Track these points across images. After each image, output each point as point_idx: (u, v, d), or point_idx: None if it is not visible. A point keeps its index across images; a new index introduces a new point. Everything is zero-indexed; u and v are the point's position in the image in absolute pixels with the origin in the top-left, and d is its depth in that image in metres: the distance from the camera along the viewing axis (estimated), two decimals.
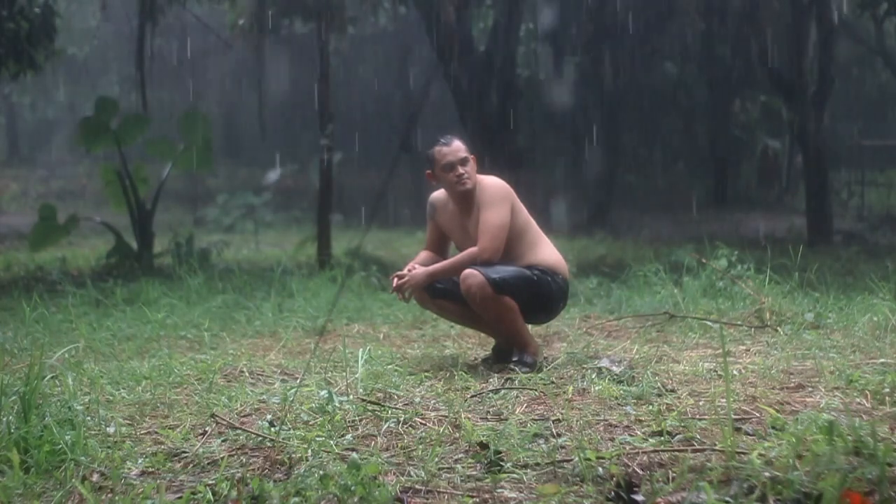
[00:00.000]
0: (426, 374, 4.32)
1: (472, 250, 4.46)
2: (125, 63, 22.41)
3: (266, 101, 23.85)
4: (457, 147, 4.54)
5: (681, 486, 2.50)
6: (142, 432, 3.29)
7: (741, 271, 6.50)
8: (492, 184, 4.51)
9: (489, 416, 3.44)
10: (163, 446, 3.08)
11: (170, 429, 3.27)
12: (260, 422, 3.32)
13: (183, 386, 4.06)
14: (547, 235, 4.69)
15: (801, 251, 6.25)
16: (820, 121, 14.77)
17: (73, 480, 2.64)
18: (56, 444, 2.87)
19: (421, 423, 3.31)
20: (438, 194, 4.72)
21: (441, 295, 4.57)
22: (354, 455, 2.80)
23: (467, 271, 4.36)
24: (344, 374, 4.13)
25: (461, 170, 4.50)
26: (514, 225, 4.49)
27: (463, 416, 3.35)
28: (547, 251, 4.58)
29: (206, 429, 3.28)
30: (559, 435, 3.10)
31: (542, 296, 4.47)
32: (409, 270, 4.53)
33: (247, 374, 4.33)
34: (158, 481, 2.68)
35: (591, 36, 17.86)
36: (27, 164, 26.57)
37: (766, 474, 2.48)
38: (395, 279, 4.55)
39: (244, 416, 3.49)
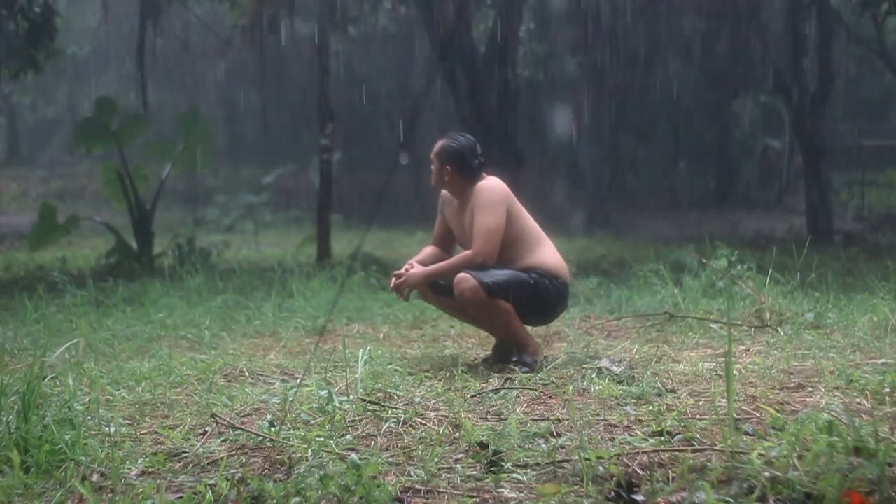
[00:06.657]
0: (426, 374, 4.31)
1: (466, 254, 4.48)
2: (125, 62, 22.39)
3: (266, 100, 23.83)
4: (436, 145, 4.66)
5: (681, 486, 2.50)
6: (142, 432, 3.29)
7: (741, 271, 6.49)
8: (488, 186, 4.50)
9: (489, 416, 3.44)
10: (163, 446, 3.08)
11: (170, 429, 3.27)
12: (260, 422, 3.32)
13: (183, 386, 4.06)
14: (547, 236, 4.68)
15: (801, 251, 6.23)
16: (820, 121, 14.77)
17: (73, 480, 2.64)
18: (56, 444, 2.87)
19: (421, 423, 3.31)
20: None
21: (443, 292, 4.57)
22: (354, 455, 2.79)
23: (460, 275, 4.36)
24: (344, 374, 4.12)
25: (431, 166, 4.68)
26: (513, 227, 4.48)
27: (463, 416, 3.35)
28: (547, 254, 4.55)
29: (206, 429, 3.28)
30: (559, 435, 3.10)
31: (539, 299, 4.46)
32: (407, 269, 4.54)
33: (247, 374, 4.33)
34: (158, 481, 2.68)
35: (591, 36, 17.86)
36: (27, 164, 26.56)
37: (766, 474, 2.48)
38: (394, 278, 4.57)
39: (244, 416, 3.49)
